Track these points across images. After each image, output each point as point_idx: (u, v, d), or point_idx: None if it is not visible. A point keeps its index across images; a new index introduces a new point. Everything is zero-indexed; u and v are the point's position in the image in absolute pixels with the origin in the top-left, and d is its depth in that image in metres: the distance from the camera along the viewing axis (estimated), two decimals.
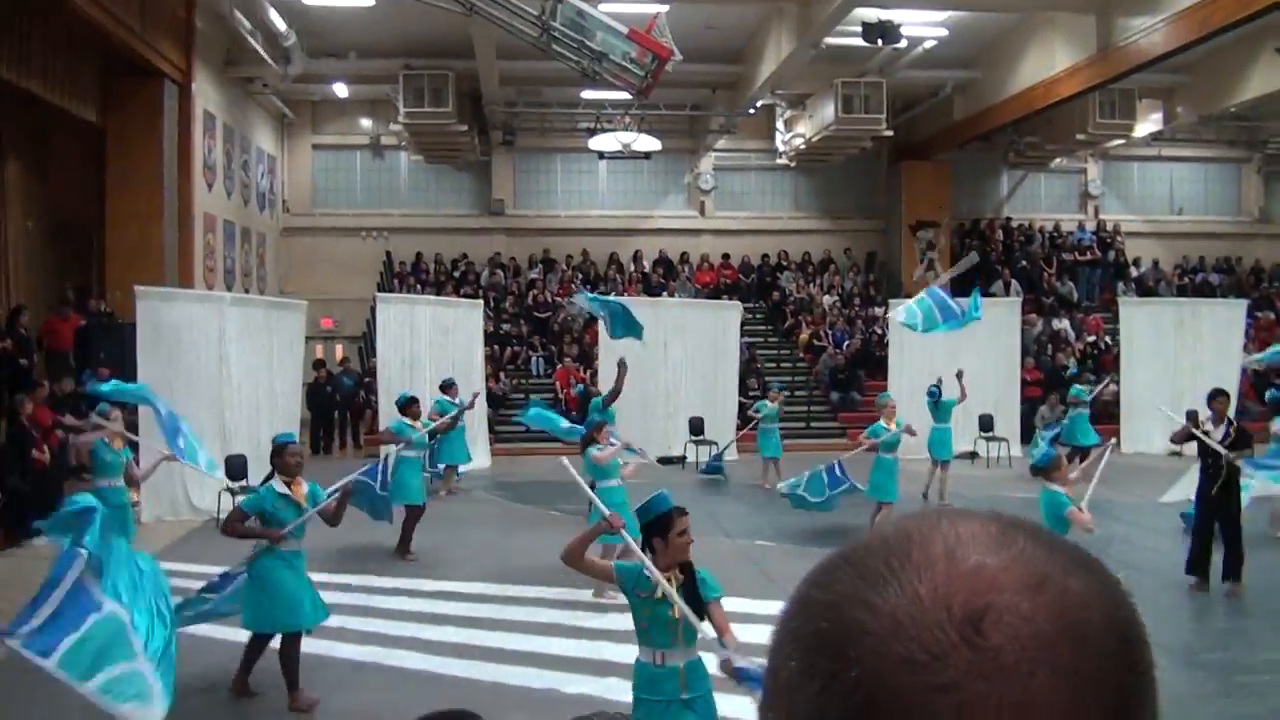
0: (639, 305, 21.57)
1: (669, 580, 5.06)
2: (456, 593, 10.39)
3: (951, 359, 20.50)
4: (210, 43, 20.04)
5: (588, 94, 23.37)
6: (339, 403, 21.81)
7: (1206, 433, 10.48)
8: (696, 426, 19.78)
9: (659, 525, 5.19)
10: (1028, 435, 20.10)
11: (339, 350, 24.71)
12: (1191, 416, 11.29)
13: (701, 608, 5.07)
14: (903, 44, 19.19)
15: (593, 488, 8.63)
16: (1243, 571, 10.07)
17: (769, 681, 0.71)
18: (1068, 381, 21.15)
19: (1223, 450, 10.22)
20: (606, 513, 5.91)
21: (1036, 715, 0.60)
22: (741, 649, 4.67)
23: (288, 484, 7.59)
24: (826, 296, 26.56)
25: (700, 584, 5.11)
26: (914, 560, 0.66)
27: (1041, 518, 7.94)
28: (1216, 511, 10.36)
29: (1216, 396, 10.83)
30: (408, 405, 13.08)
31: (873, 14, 17.56)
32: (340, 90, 24.68)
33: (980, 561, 0.66)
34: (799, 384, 23.71)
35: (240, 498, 13.66)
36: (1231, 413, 11.05)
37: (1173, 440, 11.53)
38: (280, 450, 7.79)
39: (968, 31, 20.97)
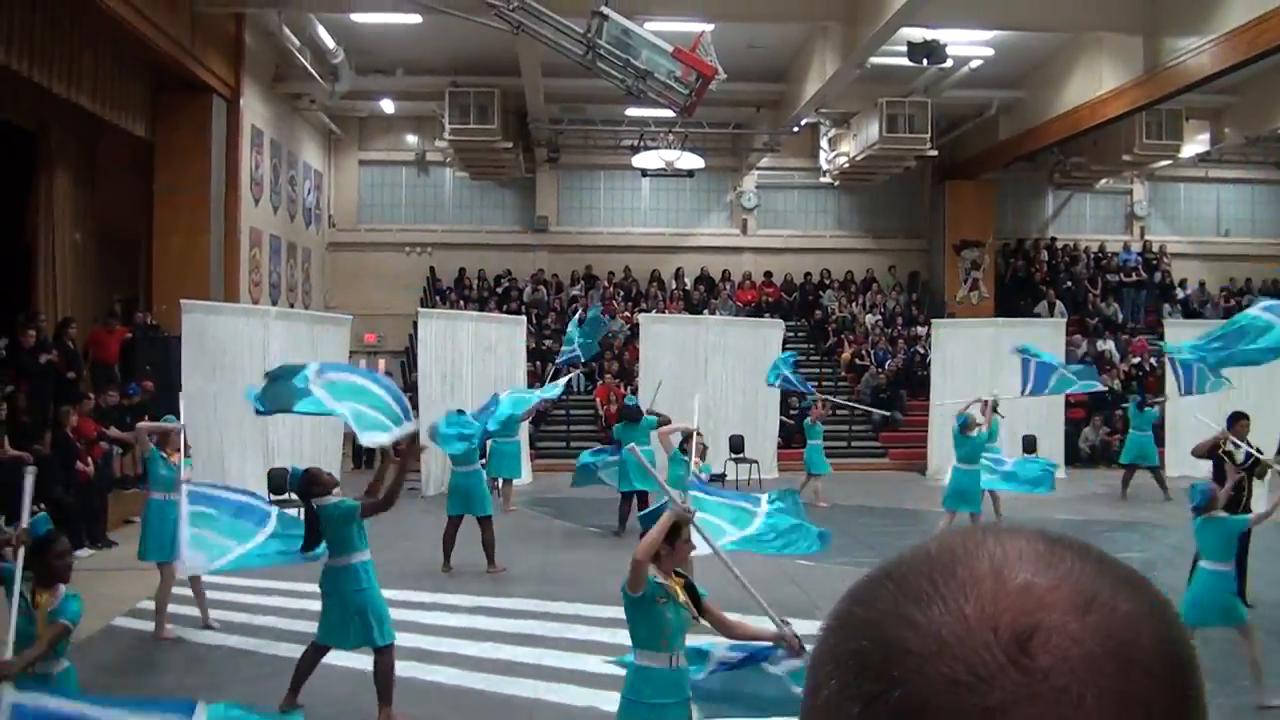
0: (681, 323, 21.66)
1: (673, 584, 5.30)
2: (495, 608, 10.42)
3: (995, 379, 20.43)
4: (259, 59, 20.27)
5: (632, 111, 23.44)
6: None
7: (1229, 453, 10.51)
8: (737, 444, 19.74)
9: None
10: (1071, 457, 19.93)
11: (381, 364, 24.84)
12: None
13: (701, 607, 5.29)
14: (948, 64, 19.13)
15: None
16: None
17: (808, 700, 0.69)
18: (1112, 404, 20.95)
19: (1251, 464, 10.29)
20: (679, 499, 5.90)
21: None
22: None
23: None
24: (869, 315, 26.47)
25: (691, 587, 5.36)
26: (959, 578, 0.65)
27: (1209, 548, 8.19)
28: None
29: (1238, 419, 10.89)
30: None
31: (918, 34, 17.52)
32: (387, 107, 24.91)
33: (1028, 580, 0.64)
34: (842, 404, 23.61)
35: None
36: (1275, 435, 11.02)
37: (1195, 453, 11.50)
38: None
39: (1014, 51, 20.88)
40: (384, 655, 7.32)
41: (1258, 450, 10.98)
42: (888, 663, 0.62)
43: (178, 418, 10.24)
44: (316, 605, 7.76)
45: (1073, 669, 0.59)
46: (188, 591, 9.72)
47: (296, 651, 8.01)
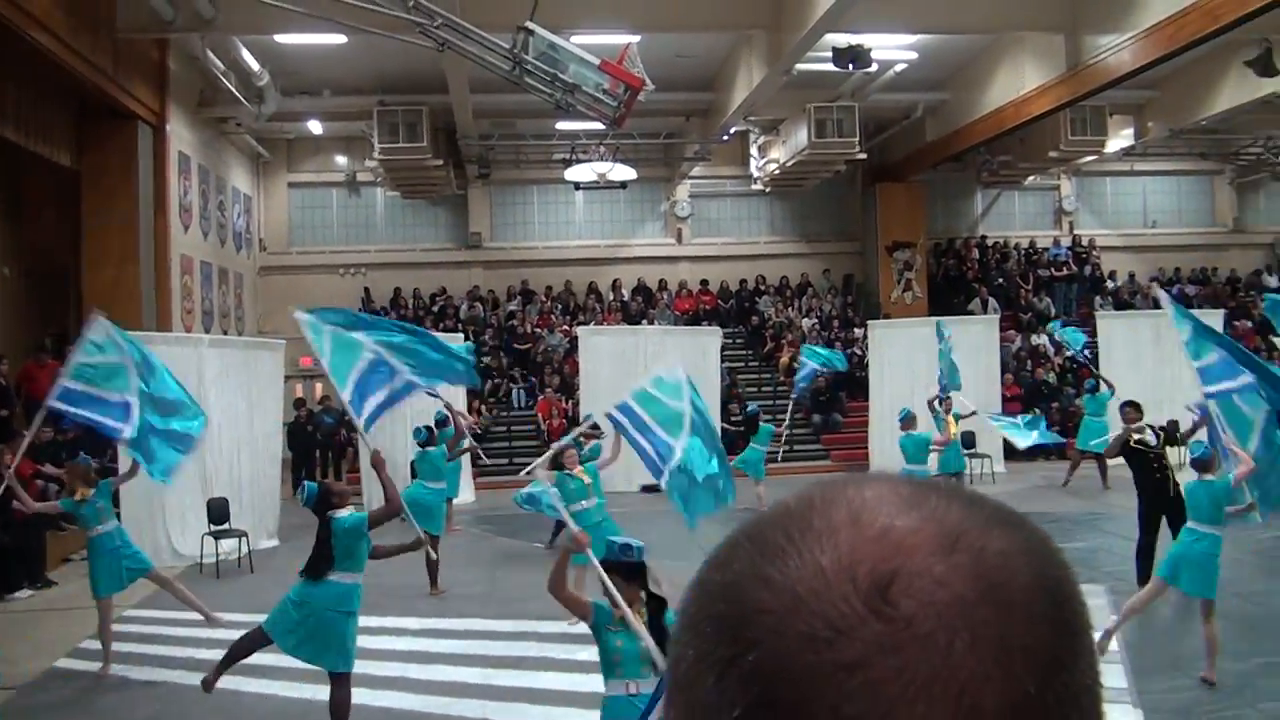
0: (620, 334, 21.67)
1: (637, 614, 5.15)
2: (442, 630, 10.35)
3: (932, 379, 20.65)
4: (184, 84, 20.03)
5: (562, 125, 23.42)
6: (320, 441, 21.73)
7: (1140, 442, 10.73)
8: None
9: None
10: (1010, 451, 20.14)
11: (318, 389, 24.60)
12: (1172, 426, 11.43)
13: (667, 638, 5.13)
14: (873, 68, 19.30)
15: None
16: None
17: (669, 674, 0.65)
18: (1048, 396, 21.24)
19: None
20: (575, 530, 5.93)
21: (959, 689, 0.54)
22: None
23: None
24: (805, 319, 26.62)
25: (669, 614, 5.20)
26: (815, 528, 0.61)
27: (1196, 510, 8.42)
28: (1169, 513, 10.72)
29: (1126, 409, 11.23)
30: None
31: (843, 39, 17.65)
32: (315, 128, 24.72)
33: (888, 524, 0.60)
34: (780, 407, 23.73)
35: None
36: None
37: (1107, 456, 11.74)
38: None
39: (937, 54, 21.12)
40: (343, 685, 7.25)
41: (1163, 428, 11.28)
42: (744, 625, 0.58)
43: (92, 455, 10.13)
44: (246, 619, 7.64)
45: (939, 614, 0.56)
46: (131, 628, 9.56)
47: (240, 684, 7.92)
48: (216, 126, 22.37)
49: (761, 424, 17.76)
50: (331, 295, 26.08)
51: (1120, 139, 25.33)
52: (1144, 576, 10.42)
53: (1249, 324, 26.92)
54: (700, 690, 0.59)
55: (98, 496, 9.55)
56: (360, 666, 8.72)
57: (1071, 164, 27.21)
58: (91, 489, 9.57)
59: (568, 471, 10.52)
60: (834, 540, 0.59)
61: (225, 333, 22.00)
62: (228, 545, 13.75)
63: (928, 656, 0.54)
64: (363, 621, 10.37)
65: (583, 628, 9.61)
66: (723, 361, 22.28)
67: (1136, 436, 10.91)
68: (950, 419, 16.06)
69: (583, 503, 10.33)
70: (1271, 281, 29.31)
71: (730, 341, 24.92)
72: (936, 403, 15.85)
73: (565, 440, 9.92)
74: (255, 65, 19.55)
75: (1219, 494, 8.28)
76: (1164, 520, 10.72)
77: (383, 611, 11.07)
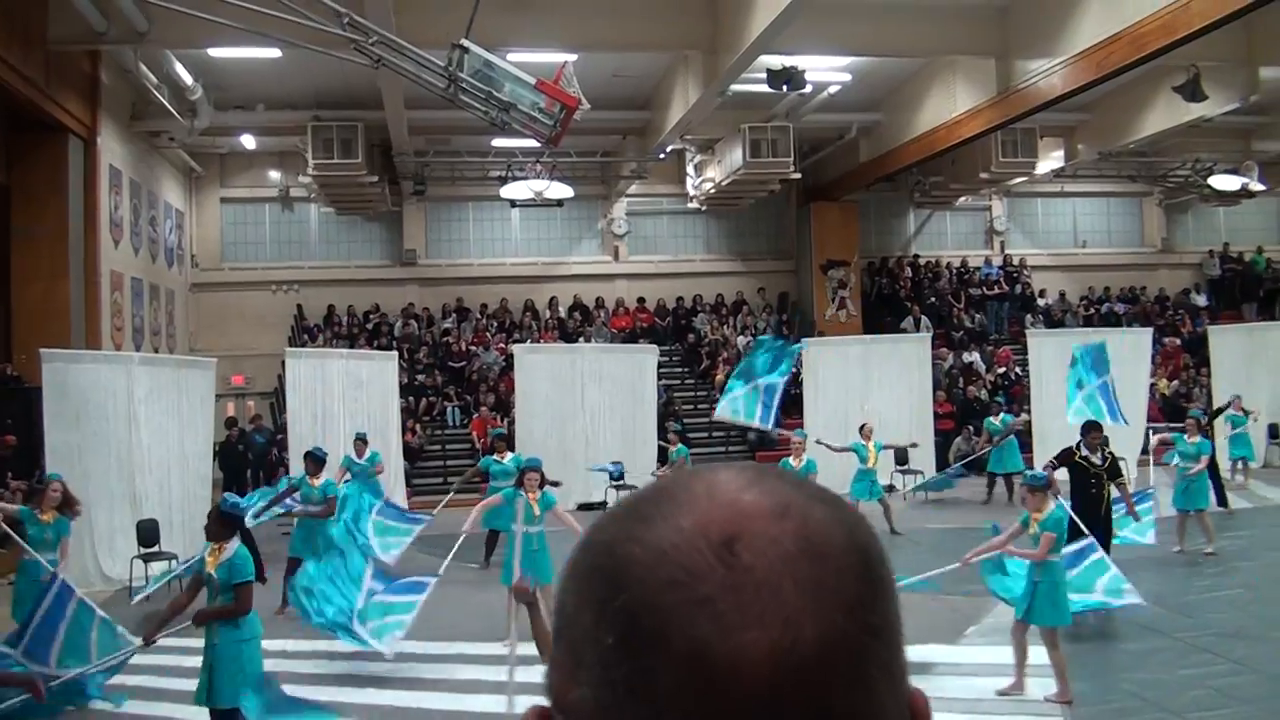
0: (556, 352, 21.65)
1: None
2: (373, 653, 10.25)
3: (865, 394, 20.89)
4: (115, 97, 19.76)
5: (498, 142, 23.40)
6: (251, 461, 21.45)
7: (1085, 458, 11.03)
8: (616, 471, 19.75)
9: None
10: (943, 468, 20.37)
11: (250, 407, 24.34)
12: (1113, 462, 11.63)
13: None
14: (807, 89, 19.49)
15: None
16: None
17: (556, 622, 0.77)
18: (980, 413, 21.52)
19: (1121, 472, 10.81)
20: (516, 576, 5.88)
21: (784, 618, 0.67)
22: None
23: (215, 550, 7.39)
24: (741, 337, 26.74)
25: None
26: (679, 500, 0.74)
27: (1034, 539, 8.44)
28: (1094, 530, 10.94)
29: (1090, 430, 11.48)
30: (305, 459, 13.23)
31: (777, 61, 17.81)
32: (248, 143, 24.46)
33: (735, 497, 0.74)
34: (717, 424, 23.80)
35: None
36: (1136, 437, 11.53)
37: (1047, 467, 11.96)
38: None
39: (870, 76, 21.36)
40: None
41: (1114, 454, 11.52)
42: (618, 573, 0.71)
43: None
44: (189, 662, 7.55)
45: (771, 564, 0.69)
46: None
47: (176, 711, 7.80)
48: (149, 140, 22.08)
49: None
50: (264, 312, 25.89)
51: (1051, 161, 25.75)
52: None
53: (1177, 342, 27.47)
54: (580, 628, 0.73)
55: (57, 526, 9.43)
56: (290, 691, 8.64)
57: (1002, 185, 27.62)
58: (55, 515, 9.46)
59: (524, 492, 10.39)
60: (693, 508, 0.73)
61: (156, 350, 21.70)
62: (157, 568, 13.54)
63: (760, 595, 0.68)
64: (292, 645, 10.33)
65: (518, 649, 9.61)
66: (659, 379, 22.31)
67: (1081, 455, 11.16)
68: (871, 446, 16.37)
69: (528, 527, 10.23)
70: (1200, 300, 29.92)
71: (667, 359, 24.98)
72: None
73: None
74: (188, 78, 19.35)
75: (1049, 525, 8.49)
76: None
77: (311, 635, 10.95)
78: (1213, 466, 14.83)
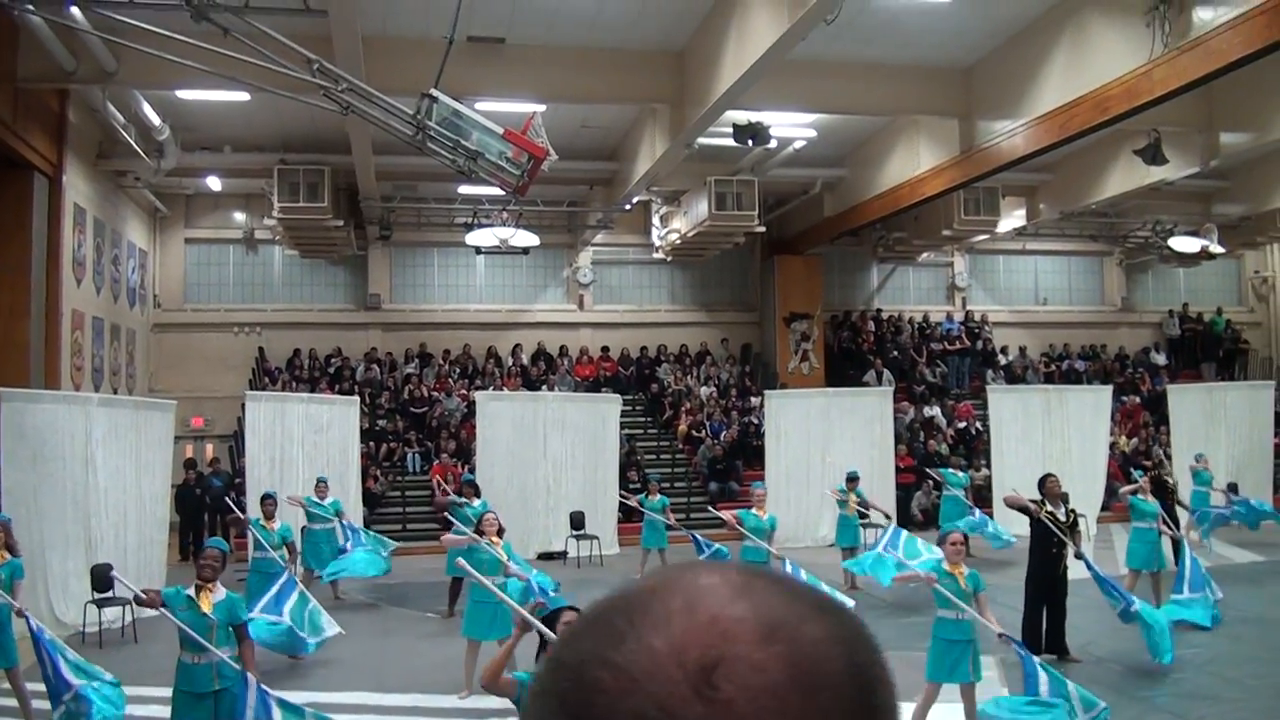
0: (519, 400, 21.61)
1: None
2: (332, 704, 10.12)
3: (827, 447, 20.98)
4: (82, 135, 19.69)
5: (465, 189, 23.46)
6: (209, 504, 21.19)
7: (1051, 514, 11.13)
8: (578, 521, 19.71)
9: (548, 622, 5.32)
10: (903, 521, 20.38)
11: (209, 450, 24.14)
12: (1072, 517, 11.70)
13: None
14: (773, 144, 19.64)
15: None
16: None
17: None
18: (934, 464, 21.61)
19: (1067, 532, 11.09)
20: (523, 612, 5.86)
21: None
22: None
23: (198, 588, 7.38)
24: (704, 388, 26.81)
25: None
26: (653, 613, 0.67)
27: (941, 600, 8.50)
28: (1052, 589, 11.27)
29: (1046, 480, 11.72)
30: (261, 503, 13.32)
31: (743, 116, 17.97)
32: (214, 184, 24.39)
33: (716, 613, 0.66)
34: (679, 474, 23.82)
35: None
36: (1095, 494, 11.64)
37: (1005, 502, 12.13)
38: (198, 554, 7.74)
39: (835, 133, 21.58)
40: None
41: (1075, 511, 11.64)
42: (583, 704, 0.64)
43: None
44: (142, 710, 7.44)
45: (755, 698, 0.62)
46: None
47: None
48: (114, 180, 22.00)
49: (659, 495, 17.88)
50: (226, 354, 25.73)
51: (1012, 219, 26.05)
52: (1034, 651, 10.71)
53: (1137, 400, 27.76)
54: None
55: (10, 567, 9.35)
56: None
57: (965, 242, 27.92)
58: (5, 555, 9.38)
59: (486, 542, 10.34)
60: (668, 625, 0.66)
61: (115, 391, 21.48)
62: (111, 613, 13.35)
63: None
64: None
65: (473, 701, 9.54)
66: (622, 429, 22.30)
67: (1049, 509, 11.25)
68: (853, 497, 16.45)
69: (491, 578, 10.17)
70: (1159, 359, 30.25)
71: (630, 409, 24.97)
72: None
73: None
74: (156, 119, 19.29)
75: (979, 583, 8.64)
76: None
77: (268, 684, 10.81)
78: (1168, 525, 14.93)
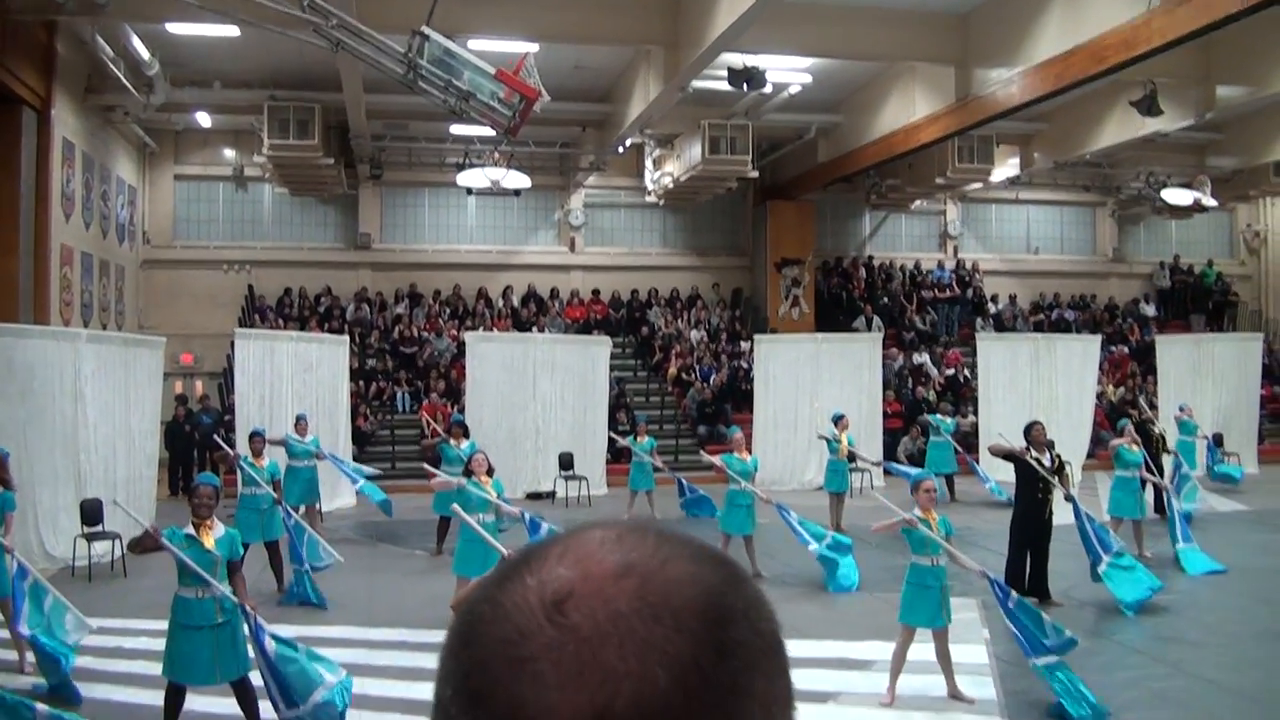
0: (509, 341, 21.61)
1: None
2: (320, 638, 10.19)
3: (815, 392, 21.05)
4: (71, 69, 19.50)
5: (456, 129, 23.29)
6: (198, 441, 21.23)
7: (1037, 459, 11.23)
8: (566, 461, 19.80)
9: None
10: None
11: (199, 387, 24.13)
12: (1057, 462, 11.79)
13: None
14: (768, 89, 19.55)
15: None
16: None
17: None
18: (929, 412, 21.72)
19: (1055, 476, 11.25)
20: (505, 554, 5.94)
21: (602, 678, 0.67)
22: None
23: (196, 526, 7.44)
24: (694, 331, 26.84)
25: None
26: (536, 560, 0.75)
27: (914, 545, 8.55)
28: (1037, 534, 11.38)
29: (1033, 428, 11.77)
30: (250, 440, 13.50)
31: (738, 60, 17.86)
32: (203, 120, 24.21)
33: (583, 557, 0.74)
34: (667, 418, 23.91)
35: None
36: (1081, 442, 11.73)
37: (991, 451, 12.25)
38: (191, 491, 7.80)
39: (831, 78, 21.45)
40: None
41: (1060, 458, 11.75)
42: (467, 631, 0.74)
43: None
44: (129, 644, 7.52)
45: (598, 623, 0.69)
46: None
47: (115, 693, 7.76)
48: (103, 115, 21.82)
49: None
50: (215, 291, 25.68)
51: (1006, 168, 26.00)
52: (1014, 578, 10.91)
53: (1125, 350, 27.87)
54: (438, 680, 0.75)
55: (1, 501, 9.40)
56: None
57: (958, 190, 27.90)
58: (3, 489, 9.42)
59: (475, 480, 10.45)
60: (542, 568, 0.74)
61: (104, 327, 21.45)
62: (101, 548, 13.41)
63: (581, 654, 0.68)
64: None
65: None
66: (611, 371, 22.35)
67: (1035, 455, 11.35)
68: (844, 443, 16.55)
69: (480, 515, 10.27)
70: (1149, 310, 30.32)
71: (619, 351, 25.01)
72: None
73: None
74: (145, 53, 19.10)
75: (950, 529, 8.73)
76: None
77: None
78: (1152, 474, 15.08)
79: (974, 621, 10.22)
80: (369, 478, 16.11)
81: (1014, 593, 8.46)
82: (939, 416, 19.81)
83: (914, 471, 11.07)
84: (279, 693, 7.20)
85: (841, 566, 12.40)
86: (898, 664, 8.46)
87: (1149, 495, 14.89)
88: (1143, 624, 10.69)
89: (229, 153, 26.21)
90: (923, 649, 8.46)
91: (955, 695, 8.41)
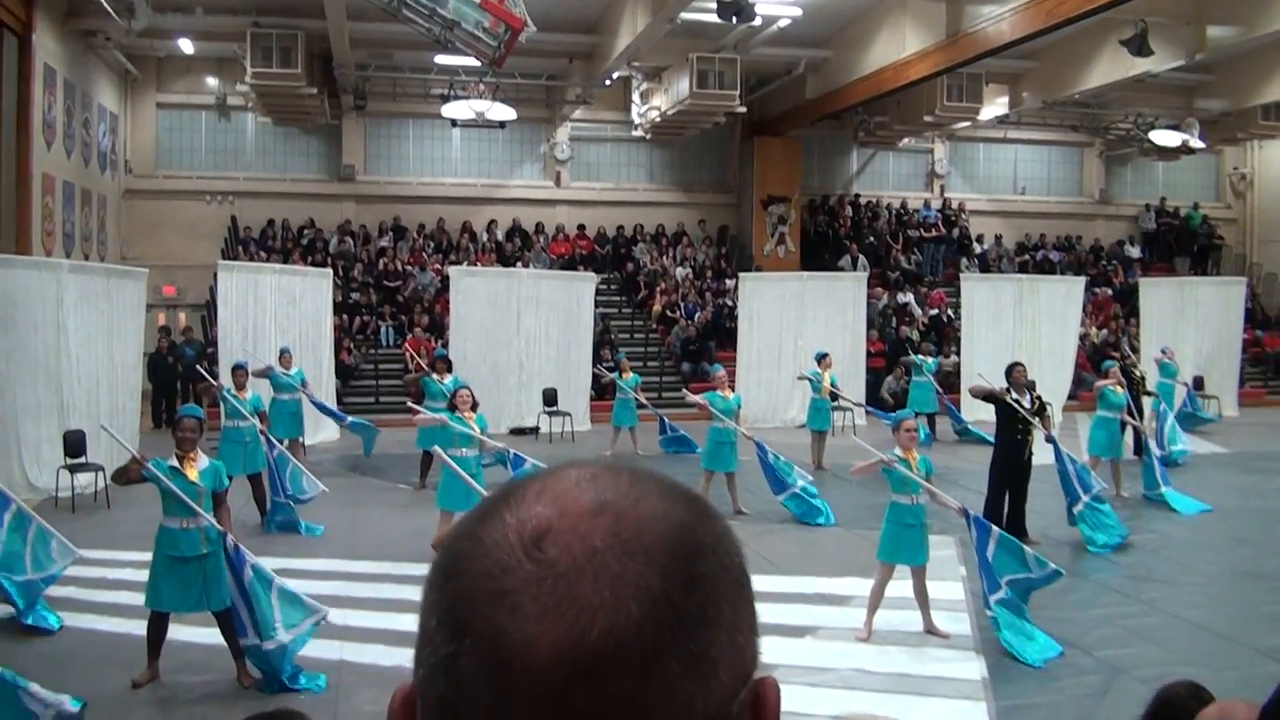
0: (493, 276, 21.55)
1: None
2: (303, 570, 10.26)
3: (799, 331, 21.09)
4: None
5: (441, 59, 23.03)
6: (181, 373, 21.15)
7: (1017, 400, 11.30)
8: (550, 397, 19.82)
9: None
10: (872, 404, 20.60)
11: (182, 319, 24.02)
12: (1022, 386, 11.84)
13: None
14: (757, 22, 19.36)
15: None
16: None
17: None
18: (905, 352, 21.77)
19: (1035, 418, 11.39)
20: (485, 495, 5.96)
21: (578, 610, 0.71)
22: None
23: (180, 458, 7.45)
24: (679, 269, 26.80)
25: None
26: (514, 499, 0.78)
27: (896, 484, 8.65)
28: (1016, 474, 11.50)
29: (1014, 369, 11.84)
30: (233, 373, 13.53)
31: None
32: (186, 47, 23.83)
33: (560, 495, 0.77)
34: (652, 354, 23.94)
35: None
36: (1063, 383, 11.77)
37: (972, 393, 12.34)
38: (175, 424, 7.82)
39: (821, 12, 21.26)
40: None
41: (1041, 399, 11.82)
42: (449, 566, 0.77)
43: None
44: (113, 575, 7.54)
45: (574, 558, 0.72)
46: None
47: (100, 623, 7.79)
48: (85, 40, 21.48)
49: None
50: (198, 222, 25.49)
51: (995, 107, 25.88)
52: (993, 518, 11.00)
53: (1109, 292, 27.94)
54: (422, 612, 0.78)
55: None
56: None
57: (946, 128, 27.77)
58: None
59: (459, 415, 10.49)
60: (520, 506, 0.77)
61: (86, 258, 21.26)
62: (84, 479, 13.41)
63: (558, 587, 0.71)
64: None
65: None
66: (596, 307, 22.33)
67: (1014, 396, 11.42)
68: (827, 381, 16.60)
69: (464, 450, 10.31)
70: (1134, 252, 30.36)
71: (605, 287, 24.96)
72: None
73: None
74: None
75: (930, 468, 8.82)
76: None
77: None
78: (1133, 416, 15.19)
79: (951, 559, 10.31)
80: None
81: (995, 528, 8.53)
82: (921, 356, 19.86)
83: (893, 415, 11.14)
84: (249, 620, 7.27)
85: (816, 503, 12.57)
86: (875, 600, 8.55)
87: (1128, 438, 14.99)
88: (1118, 563, 10.83)
89: (212, 81, 25.86)
90: (900, 585, 8.55)
91: (931, 630, 8.53)
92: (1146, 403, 17.03)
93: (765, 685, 0.78)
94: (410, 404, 13.03)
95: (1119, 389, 14.11)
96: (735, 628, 0.76)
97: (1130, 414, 14.28)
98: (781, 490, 12.76)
